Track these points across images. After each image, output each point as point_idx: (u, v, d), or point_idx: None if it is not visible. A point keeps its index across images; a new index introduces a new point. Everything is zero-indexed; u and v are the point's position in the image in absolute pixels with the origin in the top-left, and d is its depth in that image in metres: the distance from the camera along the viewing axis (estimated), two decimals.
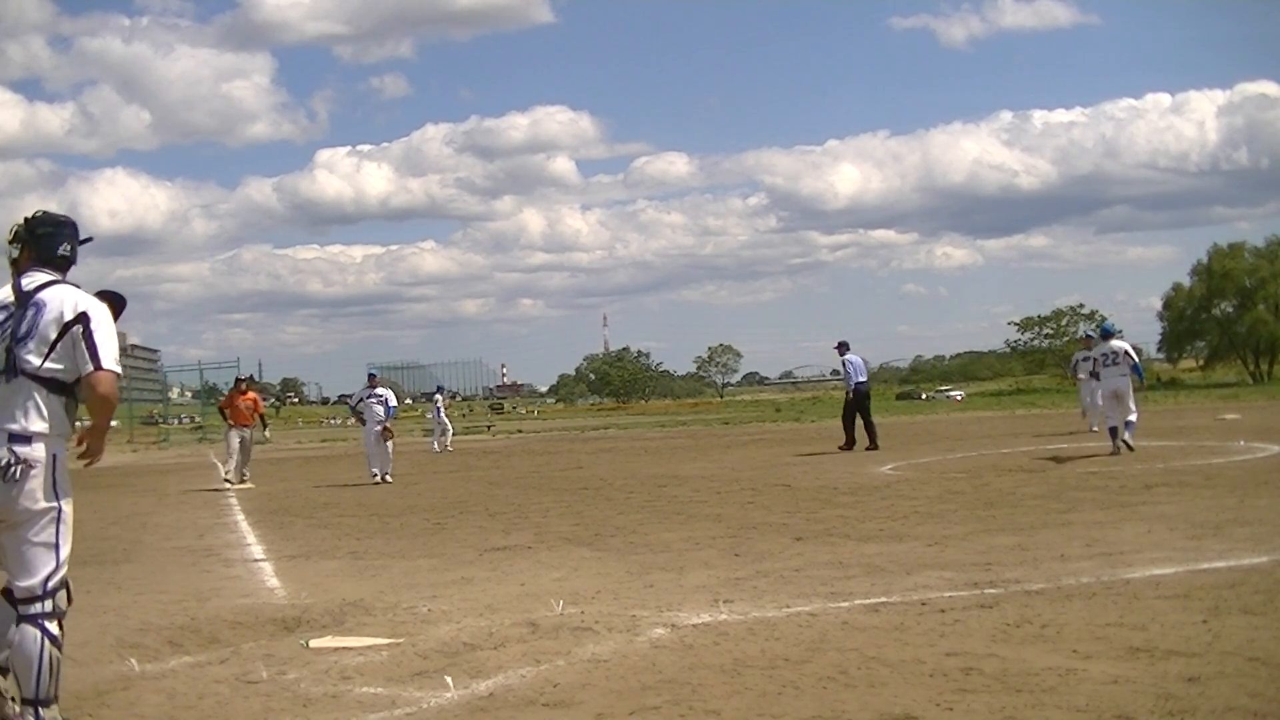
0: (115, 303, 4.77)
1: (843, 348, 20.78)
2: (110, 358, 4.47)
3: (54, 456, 4.45)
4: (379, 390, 19.07)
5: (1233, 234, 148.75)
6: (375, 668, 5.41)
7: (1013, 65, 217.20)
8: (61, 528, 4.48)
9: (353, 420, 22.32)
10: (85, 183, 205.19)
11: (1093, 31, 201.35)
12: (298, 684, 5.18)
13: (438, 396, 32.34)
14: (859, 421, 20.11)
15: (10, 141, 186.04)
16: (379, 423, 18.52)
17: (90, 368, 4.42)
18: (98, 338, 4.46)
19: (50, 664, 4.38)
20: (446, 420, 31.04)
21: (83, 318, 4.47)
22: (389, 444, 18.60)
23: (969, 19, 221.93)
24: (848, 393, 20.54)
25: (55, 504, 4.45)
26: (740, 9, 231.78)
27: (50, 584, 4.43)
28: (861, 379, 20.38)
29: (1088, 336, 18.30)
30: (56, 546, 4.46)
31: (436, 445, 29.75)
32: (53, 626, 4.42)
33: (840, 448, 19.97)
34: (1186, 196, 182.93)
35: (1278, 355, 75.19)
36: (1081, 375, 20.34)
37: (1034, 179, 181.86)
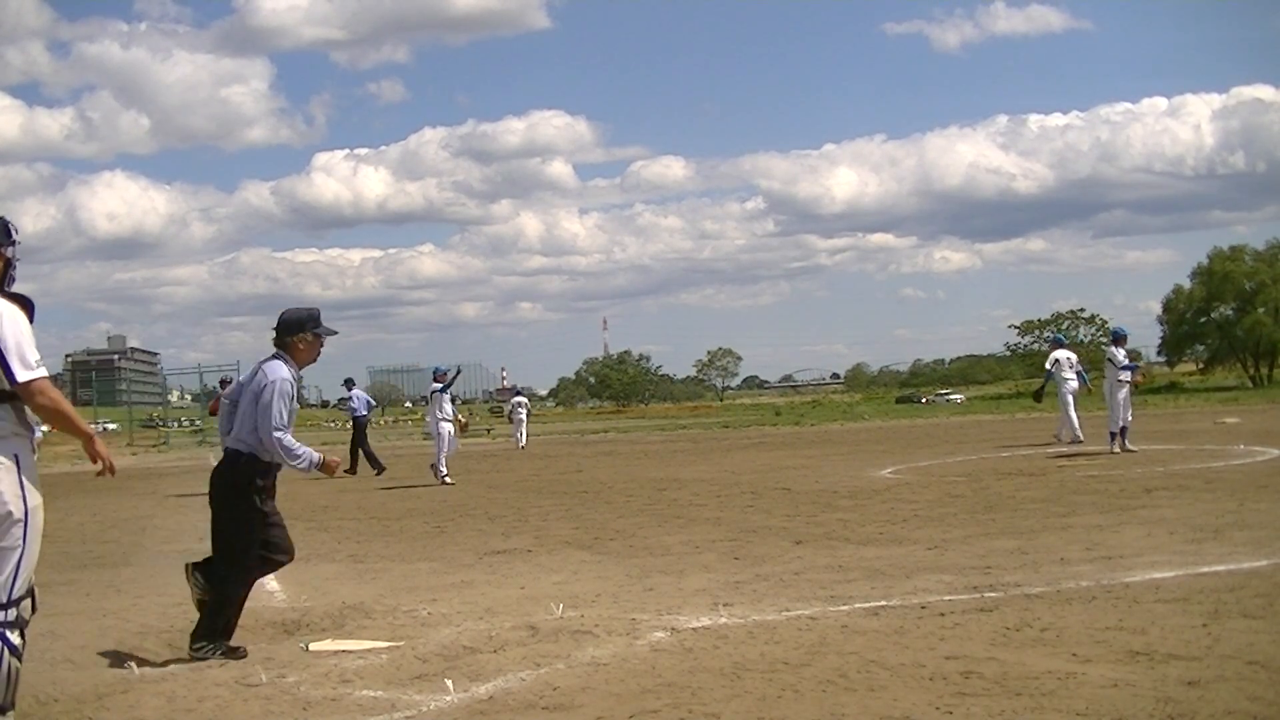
0: (24, 306, 4.50)
1: (349, 384, 23.86)
2: (25, 366, 4.26)
3: (16, 457, 4.29)
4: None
5: (1231, 238, 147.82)
6: (375, 671, 5.40)
7: (1007, 70, 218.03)
8: (29, 532, 4.28)
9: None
10: (84, 186, 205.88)
11: (1086, 36, 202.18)
12: (297, 687, 5.18)
13: (520, 398, 33.64)
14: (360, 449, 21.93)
15: (10, 146, 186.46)
16: (450, 419, 18.62)
17: (7, 385, 4.25)
18: (6, 351, 4.25)
19: (8, 674, 4.22)
20: (526, 419, 32.51)
21: None
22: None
23: (962, 24, 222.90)
24: (352, 423, 22.59)
25: (21, 507, 4.27)
26: (736, 14, 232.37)
27: (13, 592, 4.25)
28: (363, 412, 22.46)
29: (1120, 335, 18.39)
30: (22, 552, 4.27)
31: (523, 441, 30.91)
32: (14, 636, 4.24)
33: (346, 472, 20.90)
34: (1184, 200, 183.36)
35: (1277, 359, 75.18)
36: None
37: (1031, 183, 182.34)
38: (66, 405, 4.44)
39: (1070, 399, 19.05)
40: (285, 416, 5.80)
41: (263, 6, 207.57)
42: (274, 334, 6.04)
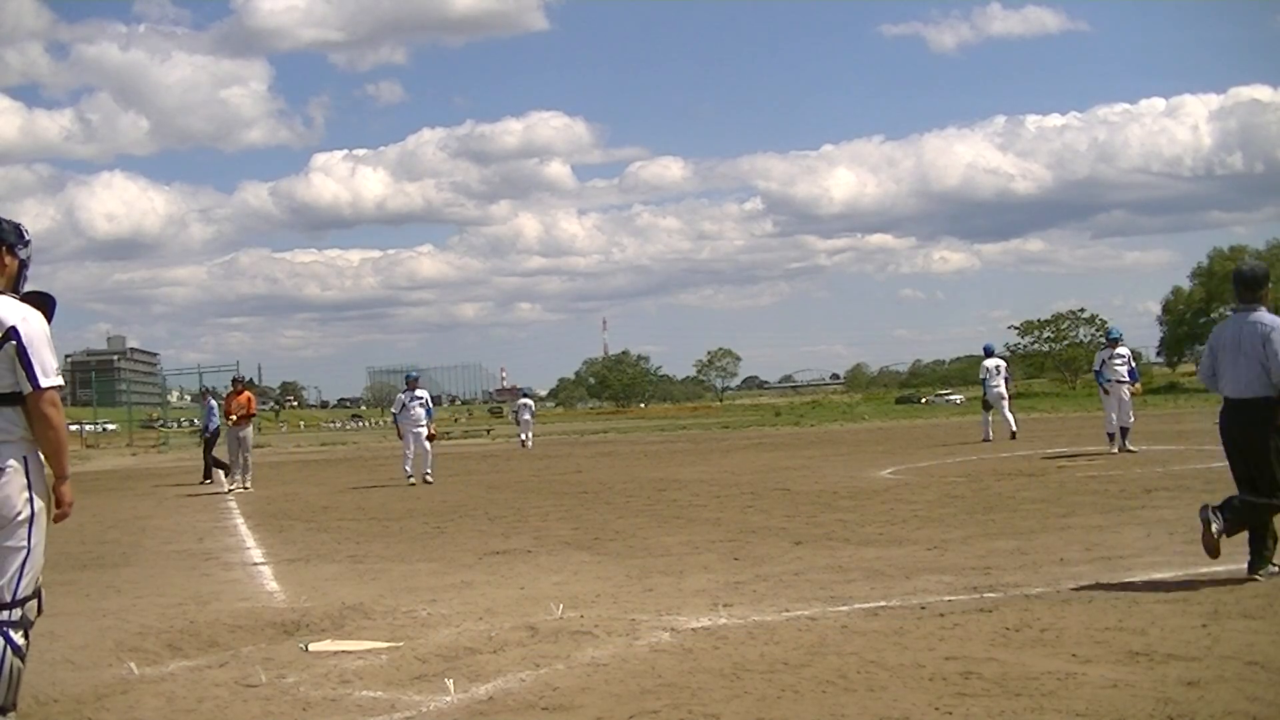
0: (45, 304, 4.51)
1: (206, 394, 24.64)
2: (45, 373, 4.28)
3: (25, 459, 4.31)
4: (419, 392, 19.12)
5: (1229, 238, 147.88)
6: (375, 671, 5.40)
7: (1004, 71, 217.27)
8: (35, 532, 4.30)
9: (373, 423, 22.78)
10: (84, 187, 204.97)
11: (1083, 37, 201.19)
12: (297, 688, 5.18)
13: (526, 400, 35.09)
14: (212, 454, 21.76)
15: (10, 147, 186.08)
16: (420, 424, 18.63)
17: (28, 388, 4.26)
18: (31, 354, 4.26)
19: (10, 674, 4.22)
20: (531, 420, 33.75)
21: (11, 333, 4.26)
22: (429, 444, 18.83)
23: (959, 26, 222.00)
24: (203, 432, 22.73)
25: (28, 508, 4.29)
26: (734, 15, 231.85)
27: (18, 592, 4.26)
28: (216, 422, 22.16)
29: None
30: (27, 553, 4.28)
31: (529, 442, 32.12)
32: (17, 636, 4.25)
33: (204, 481, 21.06)
34: (1182, 201, 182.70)
35: None
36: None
37: (1029, 183, 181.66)
38: (65, 431, 4.43)
39: (1004, 403, 21.79)
40: None
41: (261, 8, 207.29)
42: (1241, 289, 6.82)
